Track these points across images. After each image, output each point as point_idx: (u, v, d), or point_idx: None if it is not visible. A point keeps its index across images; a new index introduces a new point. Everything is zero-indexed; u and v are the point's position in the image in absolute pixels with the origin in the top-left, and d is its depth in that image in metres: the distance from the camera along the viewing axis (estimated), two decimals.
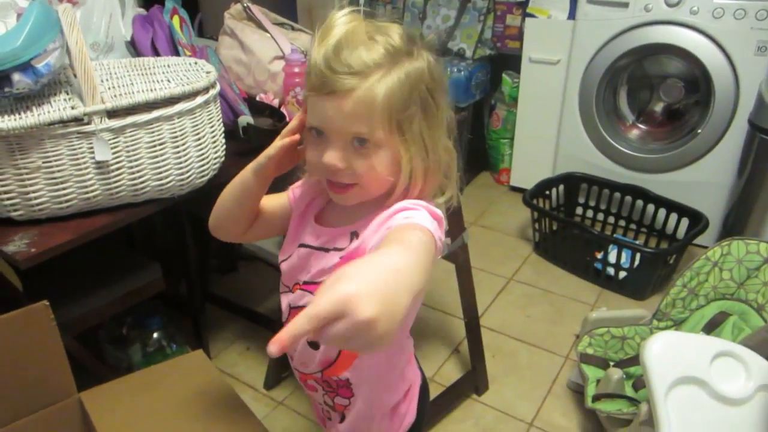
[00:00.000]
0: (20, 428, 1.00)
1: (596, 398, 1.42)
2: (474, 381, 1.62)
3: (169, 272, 1.46)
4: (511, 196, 2.68)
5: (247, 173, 0.77)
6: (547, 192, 2.33)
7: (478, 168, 2.88)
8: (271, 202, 0.82)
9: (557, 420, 1.55)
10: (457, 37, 2.57)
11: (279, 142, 0.74)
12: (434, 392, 1.58)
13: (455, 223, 1.49)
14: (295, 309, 0.79)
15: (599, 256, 2.06)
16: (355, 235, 0.70)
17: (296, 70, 1.43)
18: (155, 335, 1.58)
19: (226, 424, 0.99)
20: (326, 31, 0.63)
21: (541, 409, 1.58)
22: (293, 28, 1.64)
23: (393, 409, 0.81)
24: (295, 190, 0.81)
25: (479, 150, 2.82)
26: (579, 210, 2.40)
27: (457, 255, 1.51)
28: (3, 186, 1.02)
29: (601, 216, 2.35)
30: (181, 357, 1.14)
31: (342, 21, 0.63)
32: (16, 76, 0.96)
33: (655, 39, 2.10)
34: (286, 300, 0.80)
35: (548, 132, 2.47)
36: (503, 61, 2.62)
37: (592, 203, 2.36)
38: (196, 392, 1.04)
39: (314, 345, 0.76)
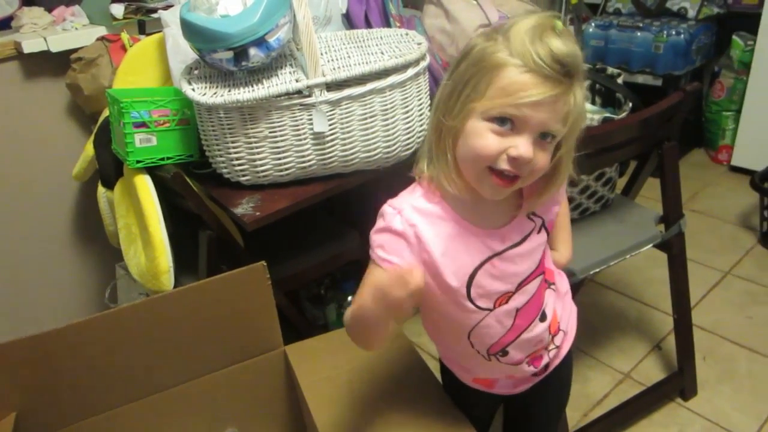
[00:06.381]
0: (231, 373, 1.11)
1: None
2: (680, 384, 1.45)
3: (363, 240, 1.51)
4: (730, 178, 2.34)
5: (381, 318, 0.68)
6: None
7: (690, 144, 2.55)
8: None
9: None
10: None
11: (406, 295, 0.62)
12: (632, 390, 1.46)
13: (671, 207, 1.32)
14: (524, 306, 0.78)
15: None
16: (534, 214, 0.76)
17: None
18: (349, 298, 1.66)
19: (412, 389, 1.01)
20: (543, 28, 0.62)
21: (765, 426, 1.36)
22: None
23: None
24: (407, 223, 0.74)
25: (693, 123, 2.49)
26: None
27: (671, 244, 1.35)
28: (235, 153, 1.12)
29: None
30: None
31: (557, 23, 0.63)
32: (252, 51, 1.03)
33: None
34: (505, 310, 0.77)
35: None
36: (734, 21, 2.26)
37: None
38: (387, 357, 1.07)
39: (543, 317, 0.81)
